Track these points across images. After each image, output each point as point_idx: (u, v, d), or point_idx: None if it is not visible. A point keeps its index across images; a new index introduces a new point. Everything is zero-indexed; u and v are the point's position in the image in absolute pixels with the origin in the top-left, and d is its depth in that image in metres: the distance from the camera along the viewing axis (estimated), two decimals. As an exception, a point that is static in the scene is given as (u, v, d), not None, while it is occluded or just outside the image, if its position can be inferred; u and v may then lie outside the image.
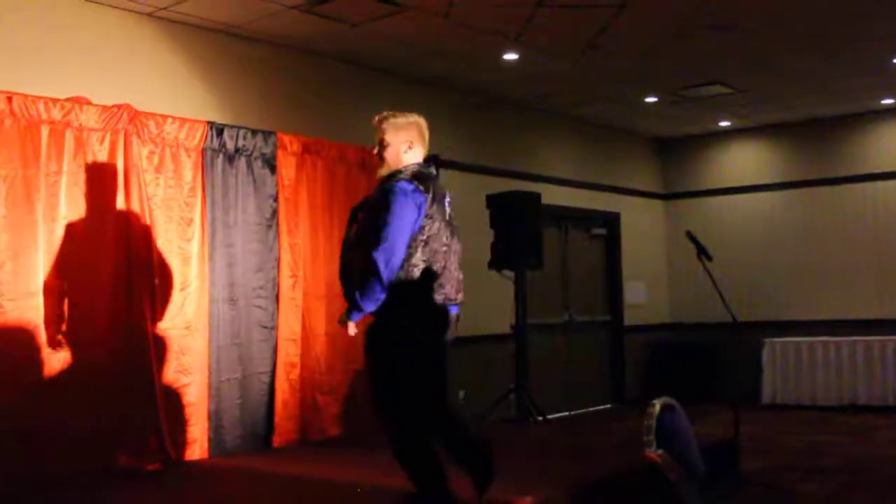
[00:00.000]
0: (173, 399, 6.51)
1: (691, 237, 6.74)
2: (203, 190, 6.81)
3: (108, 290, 6.25)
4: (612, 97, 10.11)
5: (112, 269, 6.27)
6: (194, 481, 6.06)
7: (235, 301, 6.95)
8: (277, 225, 7.26)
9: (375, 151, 4.67)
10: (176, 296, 6.60)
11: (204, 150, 6.83)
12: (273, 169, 7.28)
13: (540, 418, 8.77)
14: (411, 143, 4.64)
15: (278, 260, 7.22)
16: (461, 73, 8.96)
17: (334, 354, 7.55)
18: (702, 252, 6.68)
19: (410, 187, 4.42)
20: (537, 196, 9.03)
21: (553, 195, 10.18)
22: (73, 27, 6.47)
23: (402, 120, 4.68)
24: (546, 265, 9.07)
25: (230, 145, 6.99)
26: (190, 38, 7.14)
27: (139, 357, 6.30)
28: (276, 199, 7.24)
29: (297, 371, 7.27)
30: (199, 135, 6.80)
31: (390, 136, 4.62)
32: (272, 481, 5.93)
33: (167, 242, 6.59)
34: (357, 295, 4.34)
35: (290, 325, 7.25)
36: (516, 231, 8.59)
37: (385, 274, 4.30)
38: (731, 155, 12.23)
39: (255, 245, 7.08)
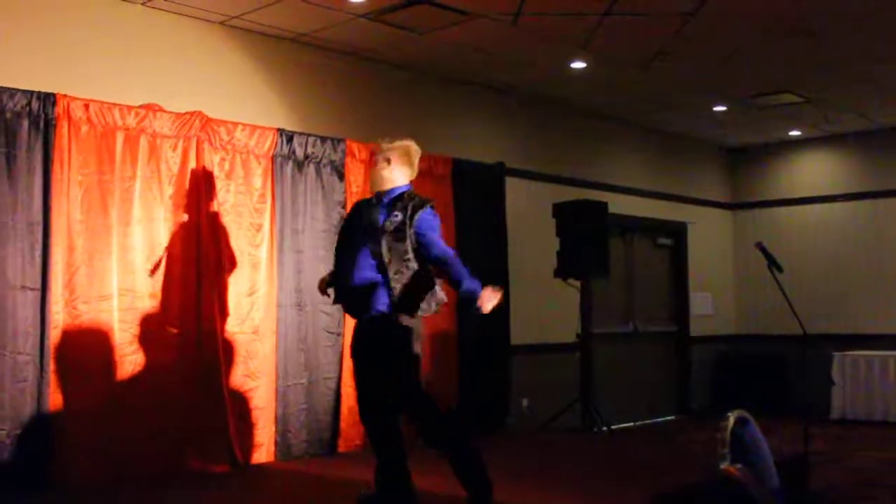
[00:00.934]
0: (241, 403, 6.60)
1: (762, 248, 6.64)
2: (272, 196, 6.89)
3: (178, 294, 6.34)
4: (680, 105, 10.02)
5: (182, 274, 6.36)
6: (260, 484, 6.12)
7: (303, 307, 7.01)
8: (345, 231, 7.30)
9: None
10: (244, 301, 6.68)
11: (274, 157, 6.92)
12: (341, 176, 7.34)
13: (605, 428, 8.72)
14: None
15: (345, 266, 7.25)
16: (528, 81, 8.94)
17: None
18: (772, 264, 6.58)
19: None
20: (604, 205, 8.98)
21: (620, 204, 10.12)
22: (146, 36, 6.58)
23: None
24: (612, 274, 9.04)
25: (299, 152, 7.06)
26: (260, 46, 7.23)
27: (209, 361, 6.40)
28: (344, 206, 7.28)
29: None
30: (268, 142, 6.88)
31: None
32: (337, 486, 5.96)
33: (237, 248, 6.67)
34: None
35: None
36: (583, 240, 8.56)
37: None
38: (801, 165, 12.04)
39: (322, 251, 7.12)
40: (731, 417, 2.74)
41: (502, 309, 8.46)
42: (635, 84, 9.09)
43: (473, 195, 8.40)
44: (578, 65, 8.34)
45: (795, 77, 8.92)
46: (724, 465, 2.48)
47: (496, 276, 8.50)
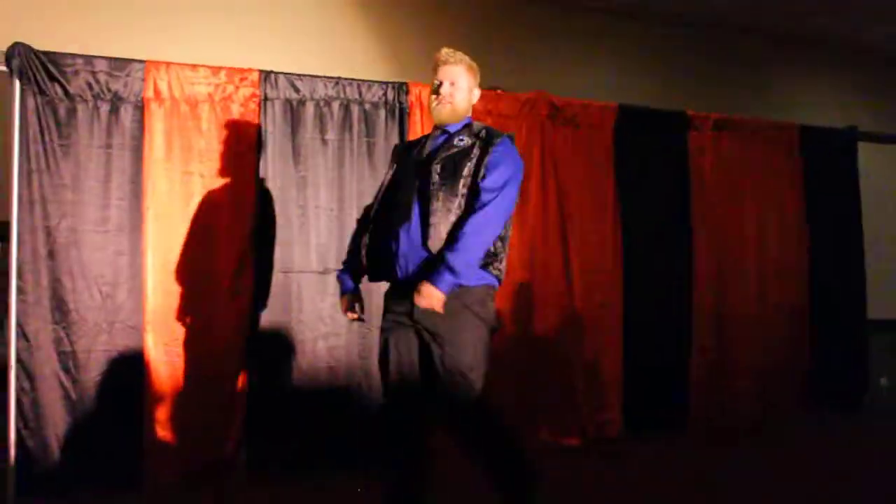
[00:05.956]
0: (591, 377, 6.68)
1: None
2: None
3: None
4: None
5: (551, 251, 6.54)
6: (611, 458, 6.17)
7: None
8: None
9: (439, 91, 3.95)
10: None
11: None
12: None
13: None
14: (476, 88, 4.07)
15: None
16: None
17: (753, 336, 7.39)
18: None
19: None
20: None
21: None
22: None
23: (469, 59, 4.03)
24: None
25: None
26: None
27: (568, 334, 6.57)
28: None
29: (711, 354, 7.16)
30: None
31: (465, 77, 4.01)
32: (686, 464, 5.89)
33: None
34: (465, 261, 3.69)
35: (703, 307, 7.16)
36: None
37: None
38: None
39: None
40: None
41: (858, 280, 8.01)
42: None
43: (823, 163, 7.92)
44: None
45: None
46: None
47: (850, 245, 8.01)
